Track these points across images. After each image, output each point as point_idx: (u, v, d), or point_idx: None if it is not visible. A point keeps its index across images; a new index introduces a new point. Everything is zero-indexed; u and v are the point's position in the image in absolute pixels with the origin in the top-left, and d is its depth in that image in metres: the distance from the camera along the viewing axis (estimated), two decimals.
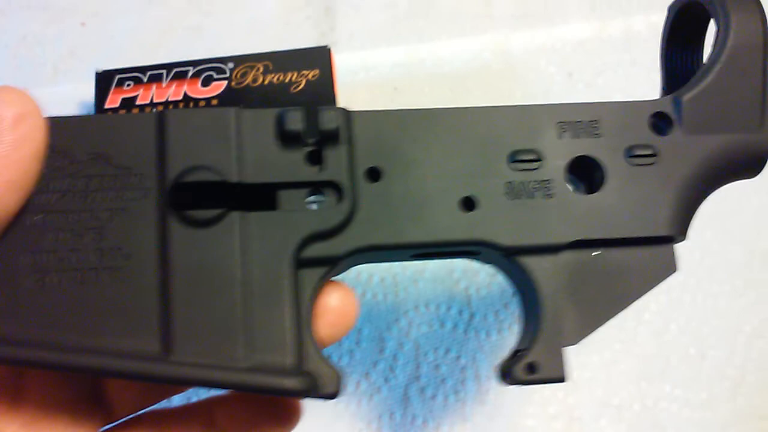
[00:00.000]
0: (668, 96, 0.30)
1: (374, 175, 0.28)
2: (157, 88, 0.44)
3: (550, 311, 0.28)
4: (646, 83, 0.51)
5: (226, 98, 0.44)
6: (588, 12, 0.53)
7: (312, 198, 0.27)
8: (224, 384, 0.26)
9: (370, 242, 0.27)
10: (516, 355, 0.29)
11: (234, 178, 0.27)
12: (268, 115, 0.27)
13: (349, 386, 0.43)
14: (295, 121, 0.27)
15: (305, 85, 0.44)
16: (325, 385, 0.26)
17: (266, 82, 0.44)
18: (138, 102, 0.44)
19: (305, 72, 0.44)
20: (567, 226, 0.28)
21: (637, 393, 0.44)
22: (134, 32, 0.51)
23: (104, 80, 0.44)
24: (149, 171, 0.27)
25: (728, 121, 0.29)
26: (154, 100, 0.44)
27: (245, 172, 0.27)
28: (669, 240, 0.29)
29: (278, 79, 0.44)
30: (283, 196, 0.27)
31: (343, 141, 0.27)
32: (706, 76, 0.30)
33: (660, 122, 0.29)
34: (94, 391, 0.30)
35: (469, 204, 0.28)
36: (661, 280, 0.29)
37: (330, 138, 0.27)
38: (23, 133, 0.25)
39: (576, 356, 0.45)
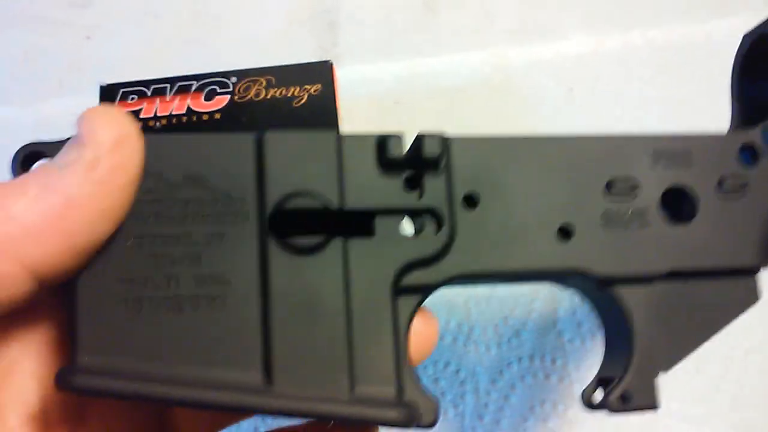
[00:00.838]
0: (757, 128, 0.30)
1: (471, 202, 0.27)
2: (160, 101, 0.45)
3: (644, 340, 0.28)
4: (642, 97, 0.52)
5: (229, 112, 0.44)
6: (586, 27, 0.53)
7: (407, 224, 0.27)
8: (328, 416, 0.25)
9: (467, 270, 0.27)
10: (602, 382, 0.29)
11: (335, 204, 0.26)
12: (369, 140, 0.27)
13: None
14: (398, 147, 0.26)
15: (307, 99, 0.45)
16: (424, 415, 0.26)
17: (269, 96, 0.45)
18: (142, 116, 0.44)
19: (307, 86, 0.45)
20: (661, 256, 0.28)
21: None
22: (138, 46, 0.51)
23: (108, 94, 0.45)
24: (249, 195, 0.26)
25: None
26: (158, 114, 0.44)
27: (346, 198, 0.26)
28: (754, 270, 0.29)
29: (281, 93, 0.45)
30: (381, 222, 0.26)
31: (442, 167, 0.27)
32: None
33: (748, 153, 0.30)
34: (160, 417, 0.29)
35: (565, 233, 0.28)
36: (746, 309, 0.30)
37: (430, 164, 0.27)
38: (121, 159, 0.23)
39: (577, 371, 0.45)
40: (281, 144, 0.26)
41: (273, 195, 0.26)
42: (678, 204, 0.29)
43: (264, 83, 0.45)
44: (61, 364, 0.25)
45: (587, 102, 0.52)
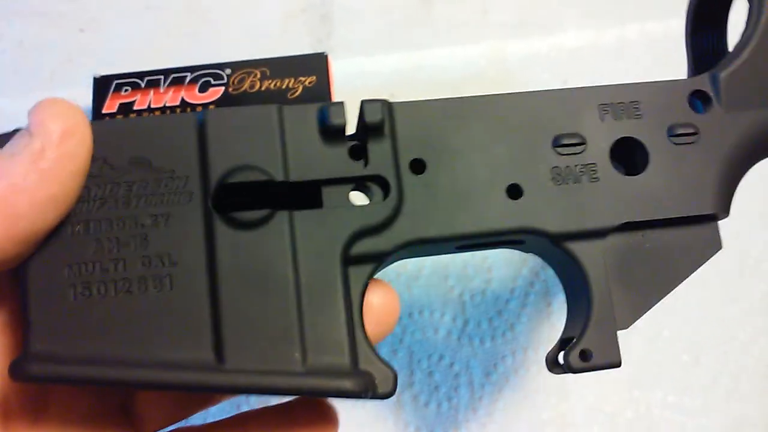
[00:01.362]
0: (705, 74, 0.29)
1: (418, 166, 0.27)
2: (154, 93, 0.44)
3: (601, 296, 0.27)
4: None
5: (224, 104, 0.44)
6: (583, 20, 0.53)
7: (356, 193, 0.27)
8: (282, 390, 0.25)
9: (418, 236, 0.26)
10: (564, 343, 0.28)
11: (279, 176, 0.26)
12: (310, 110, 0.26)
13: None
14: (338, 115, 0.26)
15: (302, 91, 0.44)
16: (381, 385, 0.25)
17: (263, 88, 0.44)
18: (135, 107, 0.44)
19: (302, 78, 0.45)
20: (614, 209, 0.27)
21: (630, 400, 0.45)
22: (132, 38, 0.51)
23: (102, 85, 0.45)
24: (192, 173, 0.26)
25: (766, 96, 0.29)
26: (152, 106, 0.44)
27: (290, 170, 0.26)
28: (713, 218, 0.29)
29: (275, 85, 0.44)
30: (328, 192, 0.26)
31: (387, 134, 0.26)
32: (742, 52, 0.29)
33: (698, 100, 0.29)
34: (123, 404, 0.29)
35: (515, 192, 0.27)
36: (707, 258, 0.29)
37: (373, 131, 0.26)
38: (69, 149, 0.24)
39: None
40: (222, 120, 0.26)
41: (216, 171, 0.25)
42: (629, 155, 0.29)
43: (259, 75, 0.45)
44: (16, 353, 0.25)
45: None
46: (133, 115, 0.44)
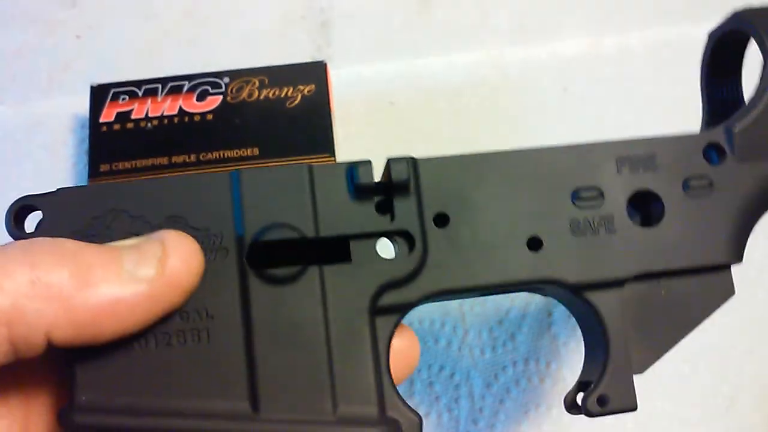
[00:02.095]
0: (720, 127, 0.30)
1: (442, 220, 0.28)
2: (152, 102, 0.44)
3: (618, 343, 0.28)
4: (639, 98, 0.51)
5: (222, 113, 0.44)
6: (583, 27, 0.53)
7: (382, 241, 0.28)
8: None
9: (442, 287, 0.27)
10: (582, 386, 0.29)
11: (310, 233, 0.27)
12: (339, 169, 0.28)
13: None
14: (367, 174, 0.27)
15: (301, 100, 0.44)
16: (407, 431, 0.26)
17: (262, 96, 0.44)
18: (133, 116, 0.44)
19: (301, 87, 0.44)
20: (631, 259, 0.28)
21: None
22: (129, 45, 0.51)
23: (99, 94, 0.44)
24: (227, 231, 0.27)
25: None
26: (149, 115, 0.44)
27: (320, 226, 0.27)
28: (726, 266, 0.30)
29: (274, 93, 0.44)
30: (356, 246, 0.27)
31: (412, 190, 0.27)
32: (756, 105, 0.30)
33: (713, 152, 0.30)
34: None
35: (535, 244, 0.28)
36: (721, 304, 0.30)
37: (400, 188, 0.27)
38: (185, 283, 0.25)
39: (572, 374, 0.45)
40: (256, 179, 0.27)
41: (250, 229, 0.27)
42: (646, 207, 0.30)
43: (257, 83, 0.44)
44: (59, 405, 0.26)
45: (582, 102, 0.51)
46: (130, 125, 0.44)
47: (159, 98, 0.44)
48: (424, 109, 0.51)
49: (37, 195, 0.27)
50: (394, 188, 0.27)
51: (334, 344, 0.26)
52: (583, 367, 0.31)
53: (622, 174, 0.29)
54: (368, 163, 0.27)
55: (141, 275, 0.24)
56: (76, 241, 0.25)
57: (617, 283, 0.29)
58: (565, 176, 0.29)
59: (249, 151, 0.43)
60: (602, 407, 0.28)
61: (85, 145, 0.49)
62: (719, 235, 0.29)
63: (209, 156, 0.43)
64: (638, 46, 0.52)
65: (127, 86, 0.44)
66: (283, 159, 0.43)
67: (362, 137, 0.50)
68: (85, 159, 0.49)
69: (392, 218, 0.27)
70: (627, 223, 0.29)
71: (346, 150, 0.49)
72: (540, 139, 0.50)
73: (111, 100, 0.44)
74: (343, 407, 0.26)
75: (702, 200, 0.29)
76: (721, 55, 0.33)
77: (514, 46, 0.52)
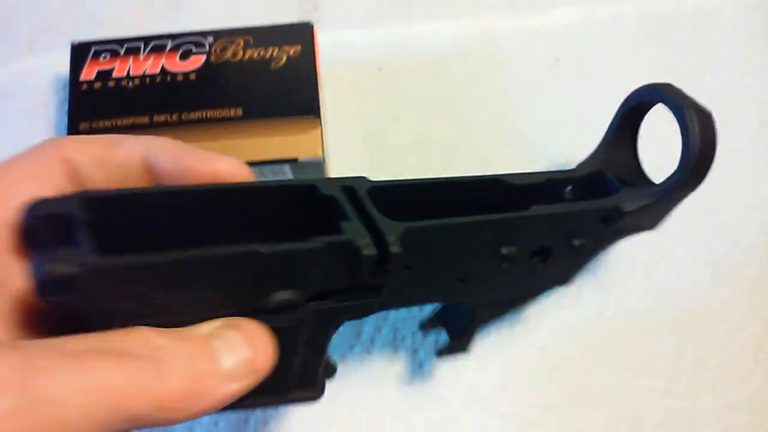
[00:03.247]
0: (613, 200, 0.37)
1: (405, 268, 0.32)
2: (134, 61, 0.43)
3: (474, 327, 0.40)
4: (631, 69, 0.51)
5: (205, 73, 0.43)
6: None
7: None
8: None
9: (389, 307, 0.35)
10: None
11: (308, 293, 0.29)
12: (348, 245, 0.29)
13: None
14: (368, 263, 0.29)
15: (286, 61, 0.43)
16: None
17: (246, 57, 0.43)
18: (114, 75, 0.43)
19: (287, 48, 0.43)
20: (512, 287, 0.38)
21: (616, 382, 0.44)
22: (112, 5, 0.49)
23: (80, 52, 0.43)
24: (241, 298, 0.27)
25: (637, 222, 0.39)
26: (131, 74, 0.43)
27: (316, 287, 0.29)
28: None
29: (259, 54, 0.43)
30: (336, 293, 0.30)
31: (397, 261, 0.30)
32: (655, 195, 0.37)
33: (600, 222, 0.37)
34: None
35: (463, 280, 0.35)
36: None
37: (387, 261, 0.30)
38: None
39: (553, 345, 0.44)
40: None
41: (263, 296, 0.28)
42: (542, 255, 0.37)
43: (242, 43, 0.43)
44: None
45: (573, 73, 0.50)
46: (111, 83, 0.43)
47: (141, 57, 0.43)
48: (412, 76, 0.50)
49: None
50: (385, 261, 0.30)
51: (303, 360, 0.31)
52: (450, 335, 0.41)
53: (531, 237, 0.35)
54: (371, 259, 0.29)
55: (235, 377, 0.26)
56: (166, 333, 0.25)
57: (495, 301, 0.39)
58: (493, 242, 0.34)
59: (233, 111, 0.42)
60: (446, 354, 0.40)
61: (66, 105, 0.48)
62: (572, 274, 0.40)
63: (191, 116, 0.42)
64: (631, 17, 0.51)
65: (108, 44, 0.43)
66: (267, 120, 0.42)
67: (349, 102, 0.49)
68: (65, 120, 0.48)
69: (372, 276, 0.30)
70: (525, 265, 0.36)
71: (332, 115, 0.48)
72: (529, 110, 0.49)
73: (92, 58, 0.43)
74: (298, 390, 0.32)
75: (577, 251, 0.37)
76: (630, 117, 0.41)
77: (505, 15, 0.51)
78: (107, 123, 0.42)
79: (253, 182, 0.30)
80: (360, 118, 0.49)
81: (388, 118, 0.49)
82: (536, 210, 0.34)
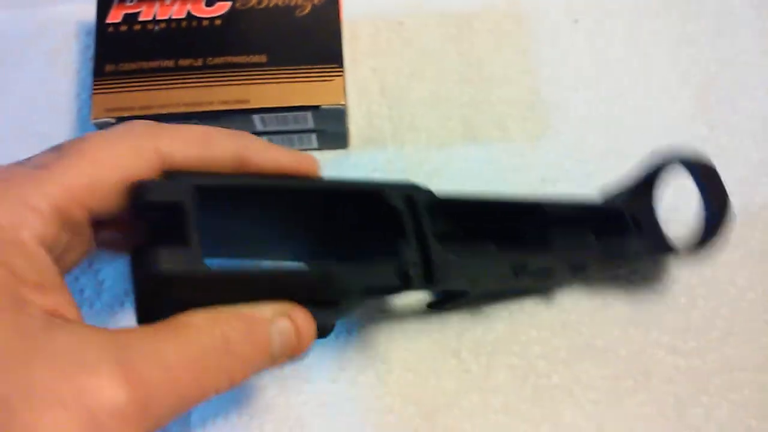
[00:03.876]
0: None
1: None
2: (160, 5, 0.43)
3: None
4: (650, 32, 0.51)
5: (230, 18, 0.43)
6: None
7: None
8: None
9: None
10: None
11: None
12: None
13: None
14: (415, 288, 0.33)
15: (310, 9, 0.44)
16: None
17: (271, 4, 0.44)
18: (140, 18, 0.43)
19: None
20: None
21: (624, 337, 0.45)
22: None
23: None
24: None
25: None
26: (157, 17, 0.43)
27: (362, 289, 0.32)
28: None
29: (283, 2, 0.44)
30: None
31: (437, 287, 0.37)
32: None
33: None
34: None
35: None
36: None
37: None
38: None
39: (563, 299, 0.45)
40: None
41: None
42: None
43: None
44: None
45: (592, 35, 0.51)
46: (137, 27, 0.43)
47: (167, 1, 0.44)
48: (433, 32, 0.50)
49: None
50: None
51: None
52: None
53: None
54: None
55: (279, 361, 0.30)
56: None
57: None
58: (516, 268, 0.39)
59: (257, 57, 0.42)
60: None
61: (90, 53, 0.48)
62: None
63: (216, 61, 0.42)
64: None
65: None
66: (292, 68, 0.42)
67: (369, 56, 0.49)
68: (89, 66, 0.48)
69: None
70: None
71: (352, 69, 0.49)
72: (549, 70, 0.50)
73: (119, 1, 0.43)
74: None
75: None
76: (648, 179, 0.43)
77: None
78: (133, 65, 0.42)
79: (334, 182, 0.33)
80: (379, 73, 0.49)
81: (407, 73, 0.49)
82: (563, 251, 0.40)
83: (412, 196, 0.33)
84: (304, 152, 0.32)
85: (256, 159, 0.30)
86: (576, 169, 0.48)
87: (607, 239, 0.43)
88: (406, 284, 0.32)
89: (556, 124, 0.49)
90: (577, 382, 0.44)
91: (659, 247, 0.42)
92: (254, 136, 0.31)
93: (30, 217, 0.24)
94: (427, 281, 0.33)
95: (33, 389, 0.22)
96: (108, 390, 0.23)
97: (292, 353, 0.30)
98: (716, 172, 0.40)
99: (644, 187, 0.43)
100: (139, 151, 0.27)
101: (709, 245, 0.40)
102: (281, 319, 0.29)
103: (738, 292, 0.46)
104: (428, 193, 0.34)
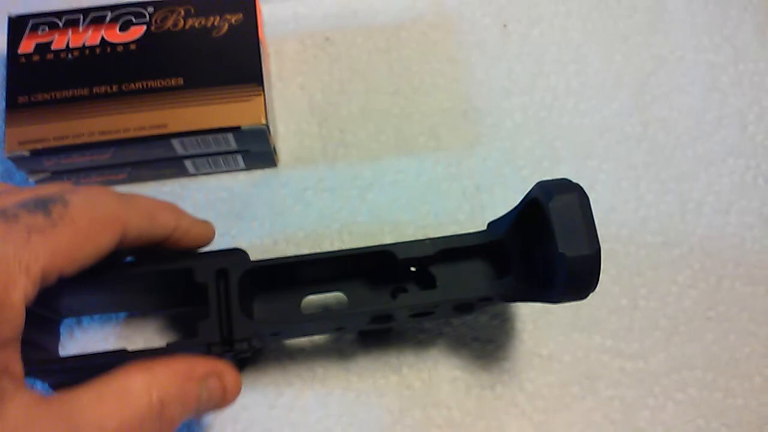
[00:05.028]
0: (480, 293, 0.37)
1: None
2: (73, 33, 0.43)
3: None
4: (581, 35, 0.51)
5: (145, 43, 0.42)
6: None
7: None
8: None
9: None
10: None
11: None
12: None
13: None
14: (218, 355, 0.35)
15: (227, 29, 0.43)
16: None
17: (187, 26, 0.43)
18: (53, 47, 0.42)
19: (228, 16, 0.43)
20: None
21: (568, 343, 0.44)
22: None
23: (17, 25, 0.43)
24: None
25: None
26: (70, 45, 0.42)
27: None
28: None
29: (200, 23, 0.43)
30: None
31: (240, 353, 0.36)
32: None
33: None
34: None
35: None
36: None
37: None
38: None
39: (507, 306, 0.44)
40: None
41: None
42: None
43: (182, 13, 0.43)
44: None
45: (523, 39, 0.50)
46: (50, 56, 0.42)
47: (80, 29, 0.43)
48: (361, 45, 0.49)
49: None
50: None
51: None
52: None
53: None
54: None
55: (200, 414, 0.33)
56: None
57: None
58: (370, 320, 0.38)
59: (173, 81, 0.42)
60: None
61: (2, 85, 0.47)
62: None
63: (132, 86, 0.41)
64: None
65: (46, 17, 0.43)
66: (209, 89, 0.41)
67: (297, 74, 0.49)
68: (1, 100, 0.47)
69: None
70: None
71: (280, 88, 0.48)
72: (480, 78, 0.49)
73: (30, 31, 0.43)
74: None
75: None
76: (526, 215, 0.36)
77: None
78: (46, 96, 0.41)
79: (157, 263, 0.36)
80: (308, 90, 0.49)
81: (336, 88, 0.49)
82: (400, 302, 0.36)
83: (225, 268, 0.35)
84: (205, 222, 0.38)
85: (186, 231, 0.36)
86: (512, 175, 0.47)
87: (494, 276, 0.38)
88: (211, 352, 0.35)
89: (490, 130, 0.48)
90: (522, 391, 0.43)
91: (529, 292, 0.36)
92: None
93: (22, 279, 0.27)
94: (229, 347, 0.35)
95: None
96: None
97: (216, 408, 0.34)
98: (579, 207, 0.33)
99: (520, 219, 0.36)
100: (112, 227, 0.31)
101: (578, 293, 0.35)
102: (211, 379, 0.33)
103: (680, 290, 0.45)
104: (244, 261, 0.36)
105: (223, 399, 0.34)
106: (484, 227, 0.38)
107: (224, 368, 0.34)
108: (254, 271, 0.35)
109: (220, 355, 0.34)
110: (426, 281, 0.37)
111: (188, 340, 0.34)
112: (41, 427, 0.26)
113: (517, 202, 0.36)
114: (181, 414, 0.31)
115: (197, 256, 0.36)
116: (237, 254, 0.35)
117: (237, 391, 0.34)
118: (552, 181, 0.34)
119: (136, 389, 0.29)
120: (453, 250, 0.36)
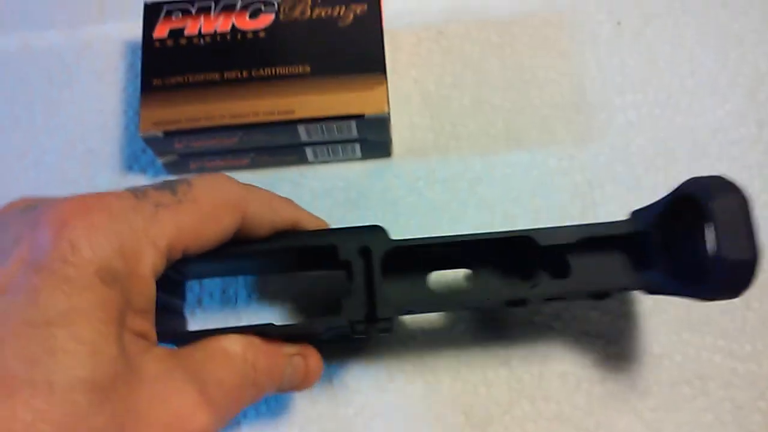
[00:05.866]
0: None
1: None
2: (205, 19, 0.44)
3: None
4: (695, 34, 0.50)
5: (274, 31, 0.44)
6: None
7: None
8: None
9: None
10: None
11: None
12: None
13: None
14: (359, 334, 0.37)
15: (352, 20, 0.44)
16: None
17: (314, 15, 0.44)
18: (186, 33, 0.44)
19: (353, 6, 0.44)
20: None
21: (679, 343, 0.44)
22: None
23: (152, 11, 0.44)
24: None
25: None
26: (202, 32, 0.44)
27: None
28: None
29: (326, 12, 0.44)
30: None
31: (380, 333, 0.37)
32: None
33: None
34: None
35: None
36: None
37: None
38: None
39: (621, 305, 0.44)
40: None
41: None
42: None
43: (309, 2, 0.44)
44: None
45: (636, 36, 0.50)
46: (183, 41, 0.44)
47: (212, 15, 0.44)
48: (473, 39, 0.50)
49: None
50: None
51: None
52: None
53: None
54: None
55: (281, 391, 0.35)
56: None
57: None
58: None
59: (300, 68, 0.43)
60: None
61: (135, 70, 0.49)
62: None
63: (261, 72, 0.43)
64: None
65: (180, 4, 0.44)
66: (335, 77, 0.42)
67: (410, 67, 0.49)
68: (135, 83, 0.49)
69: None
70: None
71: (394, 80, 0.49)
72: (592, 73, 0.49)
73: (164, 16, 0.44)
74: None
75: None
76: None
77: None
78: (179, 79, 0.43)
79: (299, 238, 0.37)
80: (421, 82, 0.49)
81: (449, 82, 0.49)
82: (539, 291, 0.36)
83: (368, 246, 0.35)
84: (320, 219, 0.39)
85: (304, 226, 0.37)
86: (625, 172, 0.47)
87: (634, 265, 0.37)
88: (351, 331, 0.36)
89: (602, 126, 0.48)
90: (633, 389, 0.43)
91: (674, 285, 0.35)
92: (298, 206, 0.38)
93: (150, 251, 0.28)
94: (371, 324, 0.35)
95: (141, 415, 0.26)
96: (199, 416, 0.28)
97: (297, 388, 0.36)
98: (741, 209, 0.33)
99: (672, 211, 0.35)
100: (233, 210, 0.32)
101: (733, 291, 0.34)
102: (297, 357, 0.35)
103: None
104: (385, 240, 0.36)
105: (305, 379, 0.36)
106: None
107: (310, 351, 0.36)
108: (394, 250, 0.36)
109: (363, 333, 0.35)
110: (559, 267, 0.37)
111: (330, 318, 0.35)
112: (175, 377, 0.28)
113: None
114: (269, 385, 0.33)
115: (337, 232, 0.37)
116: (378, 232, 0.36)
117: (318, 374, 0.36)
118: (706, 178, 0.34)
119: (237, 353, 0.32)
120: (594, 238, 0.36)
